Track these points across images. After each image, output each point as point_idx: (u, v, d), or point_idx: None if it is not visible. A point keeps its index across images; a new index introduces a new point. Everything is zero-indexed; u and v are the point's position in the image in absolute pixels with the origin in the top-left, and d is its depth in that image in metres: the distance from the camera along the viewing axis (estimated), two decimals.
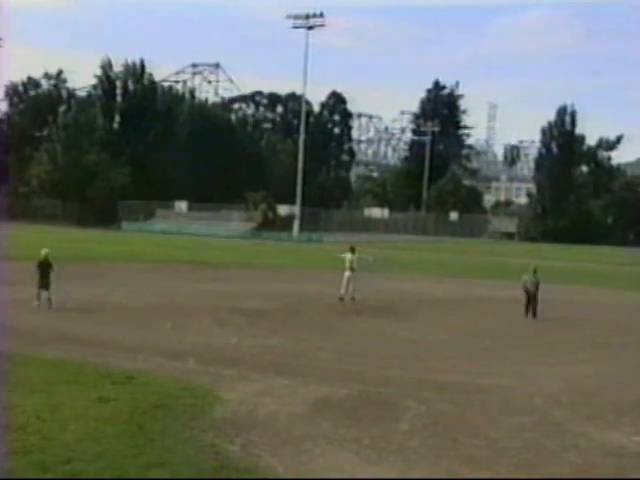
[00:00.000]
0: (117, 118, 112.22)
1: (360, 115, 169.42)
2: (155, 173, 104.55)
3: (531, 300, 26.50)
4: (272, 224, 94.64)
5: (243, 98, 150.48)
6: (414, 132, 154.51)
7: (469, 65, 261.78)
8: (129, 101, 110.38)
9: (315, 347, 19.64)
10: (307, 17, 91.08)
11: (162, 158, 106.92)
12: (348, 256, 29.46)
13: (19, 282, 28.09)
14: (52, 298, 23.62)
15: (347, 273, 28.92)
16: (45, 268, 24.00)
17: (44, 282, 23.82)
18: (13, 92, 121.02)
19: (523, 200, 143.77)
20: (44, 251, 24.57)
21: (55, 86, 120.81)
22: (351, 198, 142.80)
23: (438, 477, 10.25)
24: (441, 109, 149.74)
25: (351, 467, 10.34)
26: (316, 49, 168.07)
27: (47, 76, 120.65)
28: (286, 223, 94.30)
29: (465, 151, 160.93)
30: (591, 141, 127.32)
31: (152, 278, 35.06)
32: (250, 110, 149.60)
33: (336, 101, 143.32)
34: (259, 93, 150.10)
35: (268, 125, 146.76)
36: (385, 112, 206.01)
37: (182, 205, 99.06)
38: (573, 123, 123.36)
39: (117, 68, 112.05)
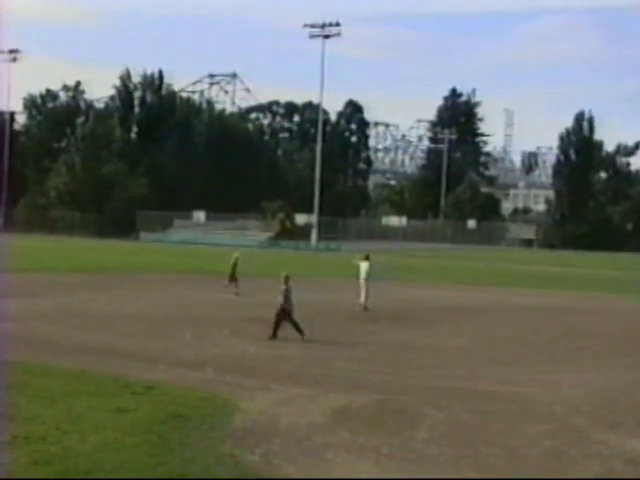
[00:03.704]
0: (134, 129, 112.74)
1: (377, 123, 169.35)
2: (172, 183, 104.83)
3: (288, 316, 21.71)
4: (290, 233, 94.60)
5: (260, 108, 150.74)
6: (431, 140, 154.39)
7: (486, 72, 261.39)
8: (147, 112, 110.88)
9: (333, 356, 19.62)
10: (323, 26, 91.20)
11: (179, 168, 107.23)
12: (363, 264, 29.48)
13: (37, 294, 28.27)
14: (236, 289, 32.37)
15: (362, 282, 28.96)
16: (234, 267, 33.21)
17: (233, 276, 32.89)
18: (31, 104, 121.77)
19: (541, 207, 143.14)
20: (235, 254, 34.04)
21: (73, 98, 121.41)
22: (369, 206, 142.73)
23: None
24: (458, 117, 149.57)
25: (370, 477, 10.32)
26: (332, 58, 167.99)
27: (65, 88, 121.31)
28: (304, 232, 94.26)
29: (482, 158, 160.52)
30: (609, 147, 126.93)
31: (171, 288, 35.12)
32: (267, 120, 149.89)
33: (353, 110, 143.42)
34: (276, 102, 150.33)
35: (285, 134, 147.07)
36: (402, 120, 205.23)
37: (200, 215, 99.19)
38: (591, 129, 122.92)
39: (135, 79, 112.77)
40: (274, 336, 21.39)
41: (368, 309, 28.29)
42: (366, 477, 10.23)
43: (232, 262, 33.64)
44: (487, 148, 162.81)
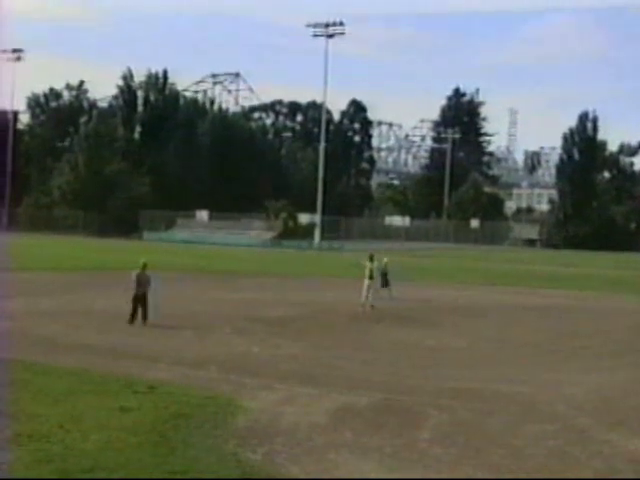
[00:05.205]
0: (138, 128, 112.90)
1: (380, 123, 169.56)
2: (176, 183, 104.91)
3: (140, 300, 23.05)
4: (293, 233, 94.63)
5: (263, 107, 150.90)
6: (434, 140, 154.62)
7: (489, 72, 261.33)
8: (150, 111, 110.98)
9: (336, 355, 19.61)
10: (327, 26, 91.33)
11: (183, 167, 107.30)
12: (368, 264, 29.65)
13: (40, 293, 28.22)
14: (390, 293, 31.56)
15: (367, 281, 29.07)
16: (384, 272, 32.09)
17: (385, 282, 31.91)
18: (35, 103, 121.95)
19: (545, 207, 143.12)
20: (384, 260, 32.90)
21: (76, 97, 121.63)
22: (372, 206, 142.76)
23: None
24: (461, 116, 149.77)
25: (373, 476, 10.31)
26: (336, 57, 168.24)
27: (68, 87, 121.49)
28: (307, 232, 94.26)
29: (486, 158, 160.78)
30: (613, 147, 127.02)
31: (174, 287, 35.07)
32: (270, 119, 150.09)
33: (356, 109, 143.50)
34: (279, 102, 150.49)
35: (288, 134, 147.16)
36: (405, 120, 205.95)
37: (203, 214, 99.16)
38: (595, 129, 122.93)
39: (139, 78, 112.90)
40: (131, 322, 22.59)
41: (364, 307, 28.41)
42: (368, 477, 10.22)
43: (382, 269, 32.62)
44: (490, 148, 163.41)
